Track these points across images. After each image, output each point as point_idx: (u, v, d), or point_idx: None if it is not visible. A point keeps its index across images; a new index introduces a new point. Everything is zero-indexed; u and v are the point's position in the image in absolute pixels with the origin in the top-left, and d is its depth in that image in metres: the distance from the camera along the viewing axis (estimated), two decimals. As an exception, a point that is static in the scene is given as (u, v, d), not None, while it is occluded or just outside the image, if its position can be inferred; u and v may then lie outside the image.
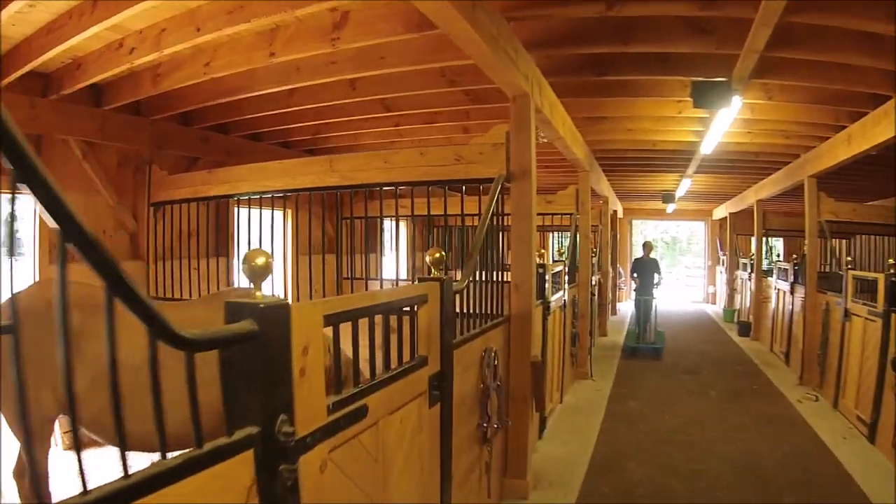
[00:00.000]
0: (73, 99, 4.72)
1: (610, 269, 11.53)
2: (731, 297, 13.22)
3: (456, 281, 2.59)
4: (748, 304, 11.11)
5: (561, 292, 5.66)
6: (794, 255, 8.59)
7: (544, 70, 4.10)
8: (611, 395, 6.33)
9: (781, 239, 12.17)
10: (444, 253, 2.37)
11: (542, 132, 5.17)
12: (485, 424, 3.05)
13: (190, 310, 2.88)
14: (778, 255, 12.07)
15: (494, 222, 3.47)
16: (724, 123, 5.33)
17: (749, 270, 11.00)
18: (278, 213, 7.80)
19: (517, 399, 3.60)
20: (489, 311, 3.40)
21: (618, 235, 14.21)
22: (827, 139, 6.02)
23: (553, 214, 7.43)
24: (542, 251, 5.06)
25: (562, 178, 9.83)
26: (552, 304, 5.09)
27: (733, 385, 6.80)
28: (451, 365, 2.41)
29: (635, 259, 10.14)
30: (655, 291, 9.30)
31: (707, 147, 6.59)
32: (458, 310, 2.85)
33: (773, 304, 9.04)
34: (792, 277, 7.87)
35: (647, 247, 9.89)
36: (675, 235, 33.02)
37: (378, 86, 4.67)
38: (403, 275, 8.79)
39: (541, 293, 4.70)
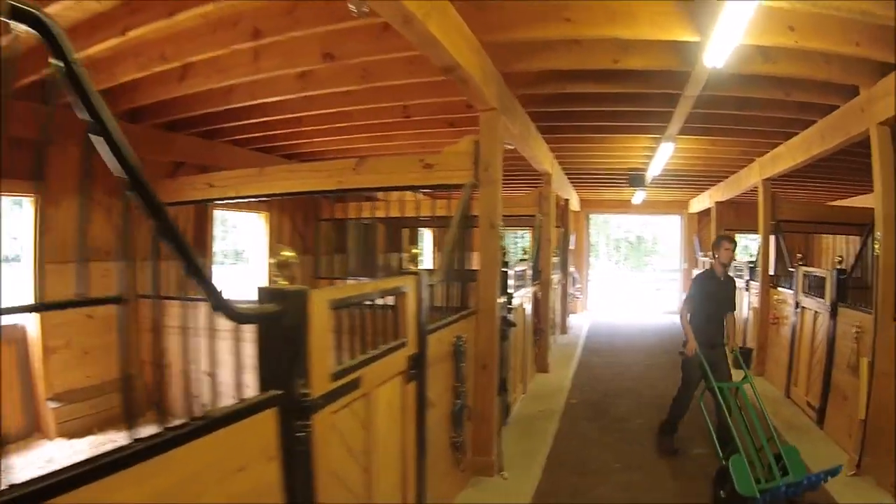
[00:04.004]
0: None
1: (554, 277, 8.18)
2: (716, 311, 10.16)
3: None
4: (746, 322, 8.04)
5: (401, 342, 2.35)
6: (839, 258, 5.55)
7: None
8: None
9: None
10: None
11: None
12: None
13: None
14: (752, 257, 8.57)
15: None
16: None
17: (748, 277, 7.93)
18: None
19: None
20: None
21: (570, 232, 11.04)
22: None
23: (435, 189, 4.04)
24: (289, 254, 1.65)
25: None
26: (352, 384, 1.80)
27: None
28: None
29: (698, 275, 4.71)
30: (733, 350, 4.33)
31: (718, 50, 3.37)
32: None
33: (790, 328, 6.02)
34: (834, 293, 4.88)
35: (727, 248, 4.32)
36: (640, 234, 30.42)
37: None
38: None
39: (287, 371, 1.40)
